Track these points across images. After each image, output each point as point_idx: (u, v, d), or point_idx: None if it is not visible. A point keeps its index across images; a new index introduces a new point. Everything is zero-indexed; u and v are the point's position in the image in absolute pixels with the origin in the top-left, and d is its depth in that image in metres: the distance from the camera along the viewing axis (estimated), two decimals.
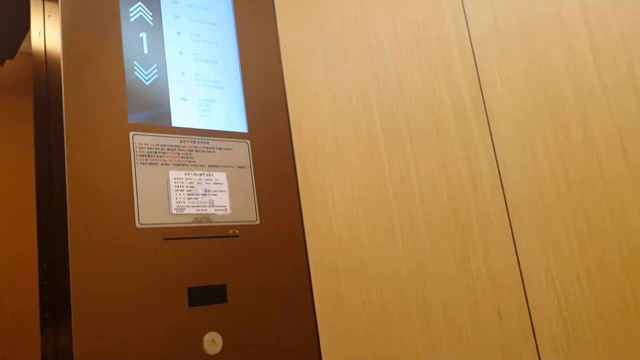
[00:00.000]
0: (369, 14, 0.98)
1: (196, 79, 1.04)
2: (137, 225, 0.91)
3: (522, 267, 0.74)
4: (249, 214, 1.02)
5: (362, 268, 0.97)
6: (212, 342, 0.94)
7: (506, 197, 0.77)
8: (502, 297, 0.76)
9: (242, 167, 1.04)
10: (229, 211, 1.00)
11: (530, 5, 0.75)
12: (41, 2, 0.99)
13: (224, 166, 1.02)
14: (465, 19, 0.82)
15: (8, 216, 1.04)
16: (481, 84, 0.80)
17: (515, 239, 0.75)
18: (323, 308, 1.03)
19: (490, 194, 0.78)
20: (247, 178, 1.04)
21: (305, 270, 1.06)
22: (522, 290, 0.74)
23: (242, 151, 1.05)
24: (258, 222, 1.03)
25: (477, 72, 0.80)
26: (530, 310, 0.73)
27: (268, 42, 1.14)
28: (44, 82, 0.98)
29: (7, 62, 1.18)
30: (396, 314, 0.91)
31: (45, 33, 0.98)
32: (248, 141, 1.06)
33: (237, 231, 1.01)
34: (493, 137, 0.78)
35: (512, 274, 0.75)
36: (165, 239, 0.93)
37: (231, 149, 1.04)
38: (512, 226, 0.76)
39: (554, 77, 0.73)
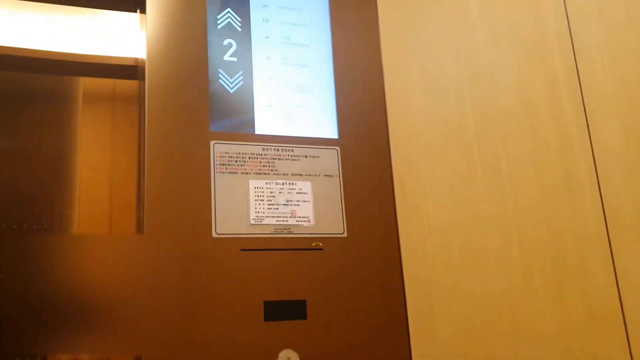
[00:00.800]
0: (464, 4, 0.86)
1: (284, 84, 1.00)
2: (214, 235, 0.90)
3: (624, 306, 0.59)
4: (335, 226, 0.96)
5: (452, 289, 0.86)
6: (288, 359, 0.89)
7: (606, 215, 0.61)
8: (600, 338, 0.61)
9: (330, 176, 0.98)
10: (312, 222, 0.95)
11: None
12: (139, 13, 1.03)
13: (309, 175, 0.97)
14: None
15: None
16: (579, 74, 0.65)
17: (617, 269, 0.60)
18: (416, 333, 0.93)
19: (589, 210, 0.63)
20: (335, 187, 0.98)
21: (399, 290, 0.97)
22: (625, 334, 0.59)
23: (330, 159, 0.99)
24: (345, 234, 0.96)
25: (575, 59, 0.66)
26: None
27: (366, 42, 1.07)
28: (142, 91, 1.01)
29: None
30: (485, 343, 0.78)
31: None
32: (338, 148, 1.00)
33: (320, 244, 0.95)
34: (592, 140, 0.63)
35: (613, 312, 0.60)
36: (242, 250, 0.91)
37: (318, 157, 0.98)
38: (613, 253, 0.60)
39: None
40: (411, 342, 0.94)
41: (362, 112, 1.03)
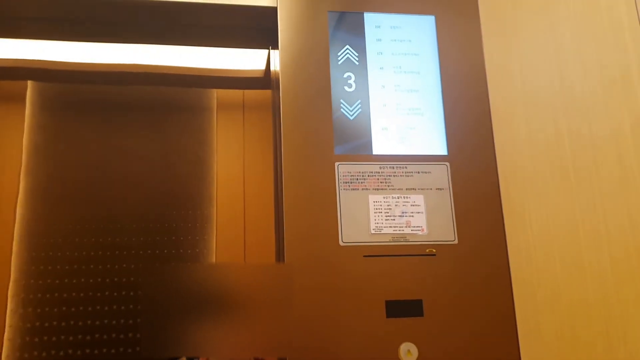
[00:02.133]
0: (557, 35, 0.95)
1: (397, 108, 1.13)
2: (341, 243, 1.05)
3: None
4: (447, 234, 1.08)
5: (555, 294, 0.95)
6: (408, 352, 1.03)
7: None
8: None
9: (441, 189, 1.10)
10: (425, 231, 1.07)
11: None
12: (269, 50, 1.21)
13: (422, 189, 1.09)
14: None
15: None
16: None
17: None
18: (524, 333, 1.03)
19: None
20: (446, 199, 1.09)
21: (508, 292, 1.07)
22: None
23: (440, 173, 1.10)
24: (456, 241, 1.08)
25: None
26: None
27: (471, 67, 1.17)
28: (276, 118, 1.19)
29: None
30: (584, 348, 0.87)
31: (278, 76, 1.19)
32: (447, 163, 1.11)
33: (434, 250, 1.07)
34: None
35: None
36: (365, 256, 1.05)
37: (429, 172, 1.10)
38: None
39: None
40: (519, 341, 1.04)
41: (469, 130, 1.14)
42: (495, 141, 1.12)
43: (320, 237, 1.05)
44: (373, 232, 1.06)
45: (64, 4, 1.24)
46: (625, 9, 0.80)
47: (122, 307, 1.17)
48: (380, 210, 1.07)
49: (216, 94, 1.37)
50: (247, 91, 1.39)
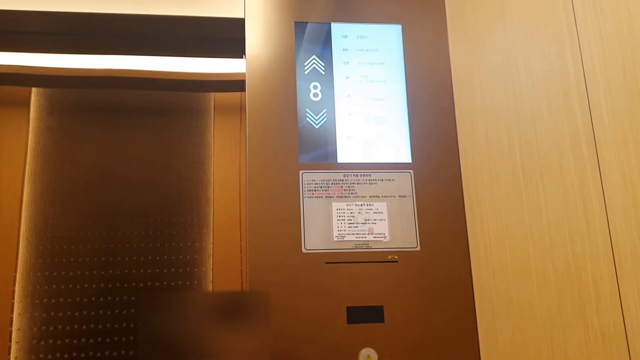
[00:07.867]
0: (511, 49, 0.96)
1: (362, 117, 1.15)
2: (303, 250, 1.07)
3: (626, 325, 0.68)
4: (409, 241, 1.09)
5: (507, 299, 0.97)
6: (368, 357, 1.05)
7: (613, 246, 0.70)
8: (611, 354, 0.71)
9: (404, 197, 1.11)
10: (387, 238, 1.09)
11: (635, 43, 0.68)
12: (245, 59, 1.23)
13: (385, 196, 1.11)
14: (580, 53, 0.77)
15: None
16: (593, 121, 0.74)
17: (621, 293, 0.69)
18: (484, 336, 1.05)
19: (600, 241, 0.73)
20: (409, 207, 1.11)
21: (470, 300, 1.08)
22: (627, 350, 0.68)
23: (404, 181, 1.12)
24: (418, 248, 1.09)
25: (589, 108, 0.75)
26: None
27: (437, 75, 1.19)
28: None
29: None
30: (532, 356, 0.89)
31: (246, 84, 1.22)
32: (411, 171, 1.13)
33: (396, 257, 1.09)
34: (602, 179, 0.72)
35: (619, 330, 0.69)
36: (327, 263, 1.08)
37: (393, 180, 1.12)
38: (618, 279, 0.69)
39: None
40: (480, 344, 1.05)
41: (434, 138, 1.15)
42: (460, 149, 1.14)
43: (283, 244, 1.07)
44: (336, 239, 1.08)
45: (61, 21, 1.27)
46: (567, 28, 0.81)
47: (124, 312, 1.19)
48: (343, 218, 1.09)
49: (214, 97, 1.39)
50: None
